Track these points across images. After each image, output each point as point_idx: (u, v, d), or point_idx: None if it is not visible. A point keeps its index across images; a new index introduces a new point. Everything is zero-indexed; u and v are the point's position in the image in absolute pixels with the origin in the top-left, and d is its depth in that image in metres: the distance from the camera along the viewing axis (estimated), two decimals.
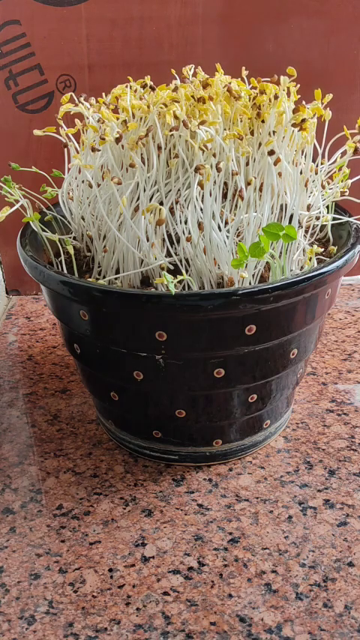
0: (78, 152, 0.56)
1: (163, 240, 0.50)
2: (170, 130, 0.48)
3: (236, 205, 0.50)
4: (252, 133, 0.51)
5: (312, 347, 0.54)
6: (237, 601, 0.44)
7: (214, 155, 0.48)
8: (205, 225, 0.47)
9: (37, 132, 0.54)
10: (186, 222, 0.48)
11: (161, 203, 0.50)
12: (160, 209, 0.47)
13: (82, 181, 0.55)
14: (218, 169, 0.46)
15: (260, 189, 0.50)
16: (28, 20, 0.74)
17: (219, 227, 0.48)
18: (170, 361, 0.47)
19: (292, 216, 0.51)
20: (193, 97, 0.50)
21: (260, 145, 0.51)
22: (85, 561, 0.47)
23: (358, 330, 0.80)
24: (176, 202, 0.50)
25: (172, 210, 0.50)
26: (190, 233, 0.48)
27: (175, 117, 0.48)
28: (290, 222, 0.51)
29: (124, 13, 0.74)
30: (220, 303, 0.43)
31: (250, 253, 0.44)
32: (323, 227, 0.58)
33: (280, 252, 0.47)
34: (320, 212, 0.56)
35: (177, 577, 0.46)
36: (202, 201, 0.47)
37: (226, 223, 0.49)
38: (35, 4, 0.74)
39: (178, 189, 0.50)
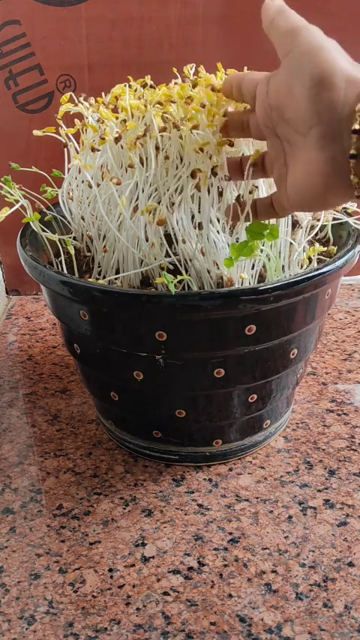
0: (78, 152, 0.56)
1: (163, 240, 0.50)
2: (160, 132, 0.47)
3: None
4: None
5: (312, 347, 0.54)
6: (237, 601, 0.44)
7: (210, 157, 0.48)
8: (204, 225, 0.47)
9: (37, 132, 0.54)
10: (185, 223, 0.48)
11: (160, 203, 0.50)
12: (159, 209, 0.47)
13: (82, 181, 0.55)
14: (214, 173, 0.46)
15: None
16: (28, 20, 0.74)
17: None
18: (170, 361, 0.47)
19: (291, 216, 0.51)
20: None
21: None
22: (85, 561, 0.47)
23: (358, 330, 0.80)
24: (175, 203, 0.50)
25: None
26: (188, 233, 0.48)
27: (164, 120, 0.47)
28: (289, 222, 0.51)
29: (123, 13, 0.74)
30: (220, 303, 0.43)
31: (238, 252, 0.44)
32: (323, 227, 0.58)
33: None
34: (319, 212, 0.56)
35: (177, 577, 0.46)
36: (200, 202, 0.47)
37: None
38: (35, 4, 0.74)
39: (177, 189, 0.50)
